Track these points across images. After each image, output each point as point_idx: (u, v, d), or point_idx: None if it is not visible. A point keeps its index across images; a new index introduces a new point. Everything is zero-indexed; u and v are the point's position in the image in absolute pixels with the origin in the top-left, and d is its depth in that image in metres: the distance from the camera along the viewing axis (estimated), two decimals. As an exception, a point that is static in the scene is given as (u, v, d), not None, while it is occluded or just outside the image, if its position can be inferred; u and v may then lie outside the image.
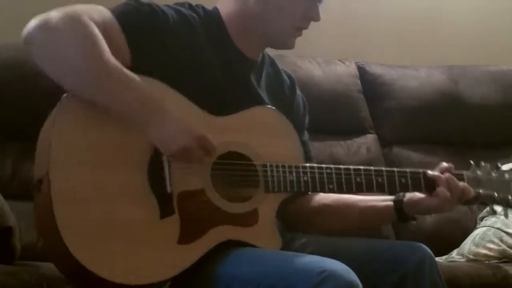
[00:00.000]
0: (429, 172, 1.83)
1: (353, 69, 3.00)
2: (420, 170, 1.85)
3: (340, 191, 1.80)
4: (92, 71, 1.59)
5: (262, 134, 1.78)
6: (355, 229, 1.97)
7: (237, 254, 1.66)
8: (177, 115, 1.63)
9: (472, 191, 1.84)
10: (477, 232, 2.63)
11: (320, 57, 2.98)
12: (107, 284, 1.55)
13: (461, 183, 1.82)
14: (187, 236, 1.64)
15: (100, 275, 1.55)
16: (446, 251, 2.65)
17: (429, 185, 1.82)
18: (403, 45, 3.31)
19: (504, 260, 2.49)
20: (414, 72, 3.05)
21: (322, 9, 1.85)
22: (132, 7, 1.71)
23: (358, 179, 1.80)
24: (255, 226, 1.73)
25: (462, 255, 2.59)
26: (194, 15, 1.79)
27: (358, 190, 1.81)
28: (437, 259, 2.59)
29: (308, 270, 1.53)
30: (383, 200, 1.89)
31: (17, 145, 2.50)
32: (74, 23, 1.60)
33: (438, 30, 3.38)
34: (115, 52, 1.63)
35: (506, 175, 1.91)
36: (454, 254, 2.62)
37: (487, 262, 2.49)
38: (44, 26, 1.61)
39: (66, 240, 1.54)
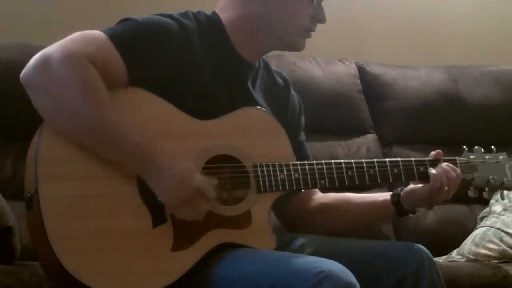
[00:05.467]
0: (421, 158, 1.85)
1: (353, 69, 3.00)
2: (412, 158, 1.86)
3: (332, 186, 1.80)
4: (91, 124, 1.60)
5: (251, 135, 1.78)
6: (355, 227, 1.99)
7: (235, 256, 1.66)
8: (173, 164, 1.63)
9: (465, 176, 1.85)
10: (477, 232, 2.63)
11: (320, 57, 2.97)
12: None
13: (453, 169, 1.83)
14: (180, 243, 1.64)
15: None
16: (446, 251, 2.65)
17: (423, 173, 1.83)
18: (403, 45, 3.31)
19: (504, 260, 2.49)
20: (414, 72, 3.05)
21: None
22: (128, 26, 1.71)
23: (350, 173, 1.80)
24: (248, 228, 1.73)
25: (462, 255, 2.59)
26: (195, 24, 1.78)
27: (351, 184, 1.80)
28: (437, 259, 2.61)
29: (306, 270, 1.53)
30: (381, 195, 1.90)
31: (17, 145, 2.50)
32: (74, 66, 1.59)
33: (438, 30, 3.38)
34: (112, 74, 1.64)
35: (500, 157, 1.92)
36: (454, 254, 2.62)
37: (487, 262, 2.49)
38: (44, 69, 1.60)
39: (60, 256, 1.54)
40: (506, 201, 2.70)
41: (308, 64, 2.92)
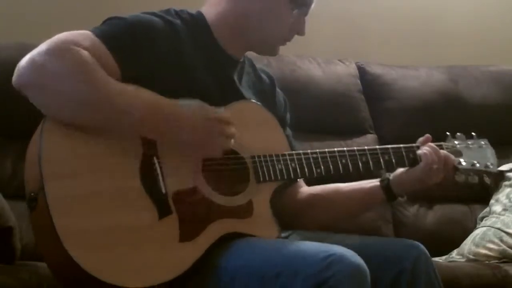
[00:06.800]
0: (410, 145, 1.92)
1: (353, 69, 2.99)
2: (402, 145, 1.92)
3: (328, 174, 1.84)
4: (95, 97, 1.61)
5: (247, 127, 1.81)
6: (346, 216, 2.04)
7: (240, 246, 1.67)
8: (186, 108, 1.67)
9: (453, 157, 1.91)
10: (477, 232, 2.63)
11: (320, 57, 2.97)
12: None
13: (442, 151, 1.89)
14: (187, 233, 1.66)
15: (112, 283, 1.55)
16: (446, 251, 2.65)
17: (413, 159, 1.90)
18: (403, 45, 3.31)
19: (504, 260, 2.49)
20: (414, 72, 3.05)
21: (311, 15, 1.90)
22: (115, 25, 1.73)
23: (344, 161, 1.85)
24: (251, 217, 1.76)
25: (462, 255, 2.59)
26: (178, 21, 1.81)
27: (345, 172, 1.85)
28: (437, 259, 2.61)
29: (313, 255, 1.54)
30: (369, 182, 1.95)
31: (17, 145, 2.49)
32: (63, 53, 1.60)
33: (438, 30, 3.38)
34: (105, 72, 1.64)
35: (482, 143, 2.00)
36: (454, 254, 2.62)
37: (487, 262, 2.49)
38: (34, 66, 1.61)
39: (73, 253, 1.54)
40: (506, 201, 2.70)
41: (308, 64, 2.92)
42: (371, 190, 1.94)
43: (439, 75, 3.05)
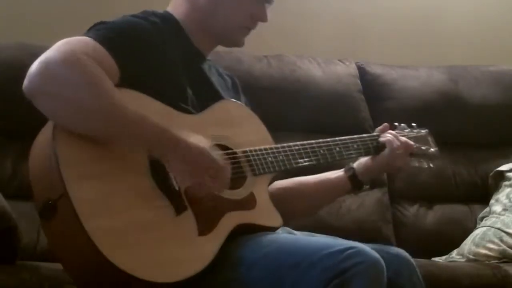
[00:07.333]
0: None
1: (353, 69, 2.99)
2: (365, 135, 2.04)
3: (311, 164, 1.93)
4: (106, 113, 1.61)
5: (236, 125, 1.89)
6: (314, 207, 2.12)
7: (257, 239, 1.69)
8: (190, 141, 1.69)
9: (411, 142, 2.03)
10: (477, 232, 2.64)
11: (320, 57, 2.97)
12: (152, 285, 1.57)
13: (401, 137, 2.02)
14: (204, 227, 1.69)
15: (146, 279, 1.55)
16: (446, 251, 2.66)
17: (376, 147, 2.01)
18: (403, 45, 3.31)
19: (504, 260, 2.50)
20: (414, 72, 3.05)
21: (273, 10, 1.93)
22: (108, 28, 1.74)
23: (322, 151, 1.95)
24: (256, 208, 1.82)
25: (462, 255, 2.59)
26: (158, 20, 1.84)
27: (324, 161, 1.95)
28: (437, 259, 2.62)
29: (332, 247, 1.56)
30: (334, 173, 2.03)
31: (17, 145, 2.50)
32: (76, 66, 1.60)
33: (438, 30, 3.38)
34: (107, 74, 1.65)
35: (422, 131, 2.15)
36: (454, 254, 2.63)
37: (487, 262, 2.49)
38: (47, 75, 1.60)
39: (107, 253, 1.53)
40: (506, 201, 2.71)
41: (308, 64, 2.92)
42: (337, 180, 2.01)
43: (439, 75, 3.05)
